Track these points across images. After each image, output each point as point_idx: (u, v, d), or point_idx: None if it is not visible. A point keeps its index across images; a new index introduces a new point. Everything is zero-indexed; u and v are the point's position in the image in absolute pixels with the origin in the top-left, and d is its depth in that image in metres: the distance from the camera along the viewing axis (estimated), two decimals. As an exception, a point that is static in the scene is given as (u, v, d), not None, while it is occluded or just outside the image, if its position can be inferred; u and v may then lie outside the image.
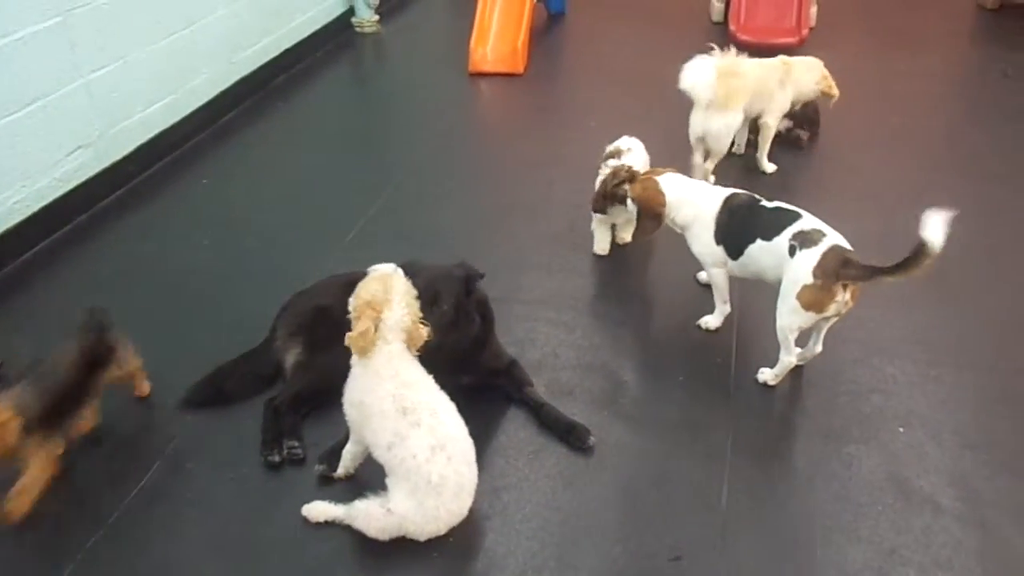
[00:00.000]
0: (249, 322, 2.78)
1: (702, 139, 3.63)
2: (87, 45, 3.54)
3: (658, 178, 2.82)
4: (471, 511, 2.15)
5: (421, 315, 2.16)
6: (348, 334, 2.09)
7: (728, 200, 2.69)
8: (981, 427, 2.48)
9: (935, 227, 2.23)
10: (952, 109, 4.69)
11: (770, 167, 3.90)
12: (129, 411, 2.59)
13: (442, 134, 4.47)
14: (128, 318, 2.99)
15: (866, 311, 2.96)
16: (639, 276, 3.26)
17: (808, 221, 2.51)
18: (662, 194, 2.78)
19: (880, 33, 5.66)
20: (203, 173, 4.03)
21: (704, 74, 3.45)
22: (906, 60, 5.20)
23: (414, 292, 2.15)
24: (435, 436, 2.05)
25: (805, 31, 5.21)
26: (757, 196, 2.70)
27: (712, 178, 3.68)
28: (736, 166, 3.94)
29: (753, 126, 3.93)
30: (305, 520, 2.19)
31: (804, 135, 4.10)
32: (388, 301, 2.09)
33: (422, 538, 2.10)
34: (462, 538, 2.14)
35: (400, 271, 2.17)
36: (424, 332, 2.15)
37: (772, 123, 3.81)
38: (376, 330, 2.07)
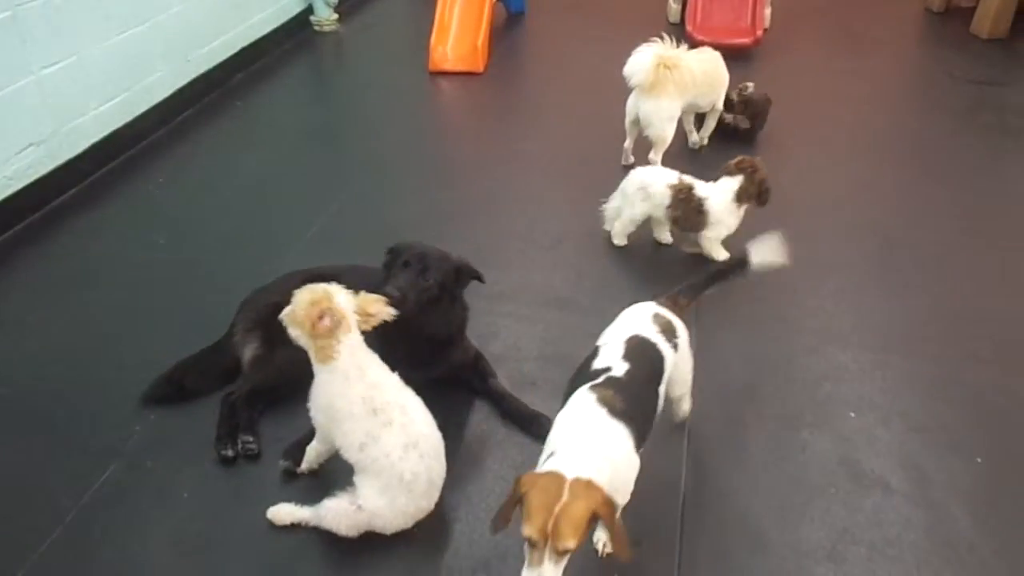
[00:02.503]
0: (207, 320, 2.76)
1: (635, 123, 3.78)
2: (38, 41, 3.47)
3: None
4: (436, 503, 2.17)
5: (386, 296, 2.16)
6: (311, 345, 2.07)
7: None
8: (929, 412, 2.56)
9: (763, 251, 2.39)
10: (899, 107, 4.83)
11: (697, 140, 4.15)
12: (85, 409, 2.55)
13: (402, 132, 4.47)
14: (84, 317, 2.98)
15: (819, 302, 3.06)
16: (599, 269, 3.30)
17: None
18: None
19: (832, 34, 5.80)
20: (159, 172, 3.98)
21: (643, 60, 3.59)
22: (856, 60, 5.34)
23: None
24: (407, 434, 2.06)
25: (759, 32, 5.32)
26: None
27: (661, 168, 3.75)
28: (686, 158, 4.01)
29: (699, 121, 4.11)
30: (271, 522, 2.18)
31: (744, 124, 4.18)
32: (327, 294, 2.07)
33: (390, 532, 2.11)
34: (428, 530, 2.16)
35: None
36: (379, 303, 2.13)
37: (719, 107, 4.04)
38: (332, 326, 2.03)
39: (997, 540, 2.15)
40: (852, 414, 2.54)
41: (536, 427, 2.45)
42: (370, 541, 2.11)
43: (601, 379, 1.93)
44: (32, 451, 2.42)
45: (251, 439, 2.38)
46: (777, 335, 2.89)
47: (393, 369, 2.17)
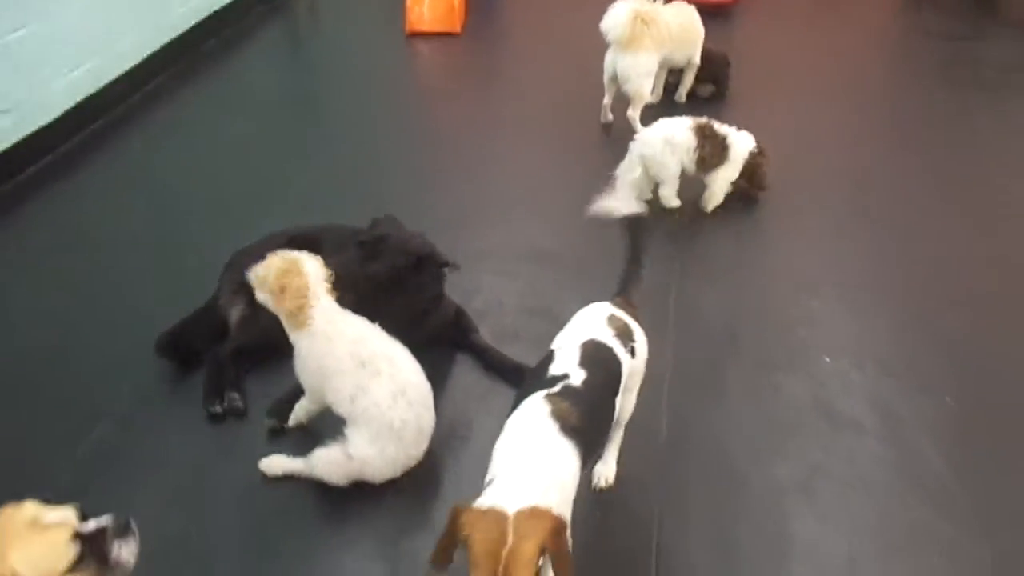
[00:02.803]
0: (190, 281, 2.78)
1: (614, 79, 3.78)
2: (3, 5, 3.41)
3: None
4: (424, 453, 2.21)
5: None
6: (282, 314, 2.11)
7: None
8: (902, 356, 2.63)
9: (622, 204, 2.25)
10: (876, 63, 4.88)
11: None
12: (72, 370, 2.57)
13: (380, 95, 4.45)
14: (66, 282, 2.98)
15: (795, 250, 3.12)
16: (579, 225, 3.33)
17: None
18: None
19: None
20: (135, 138, 3.95)
21: (620, 15, 3.59)
22: (834, 17, 5.38)
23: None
24: (395, 383, 2.10)
25: (739, -11, 5.32)
26: None
27: (639, 126, 3.78)
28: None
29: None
30: (263, 474, 2.21)
31: (705, 93, 4.22)
32: (296, 261, 2.12)
33: (379, 481, 2.16)
34: (414, 479, 2.20)
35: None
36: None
37: (695, 62, 4.06)
38: (304, 295, 2.08)
39: (965, 475, 2.23)
40: (827, 359, 2.61)
41: (519, 378, 2.49)
42: (358, 490, 2.15)
43: (558, 387, 1.78)
44: (21, 413, 2.43)
45: (237, 396, 2.42)
46: (755, 283, 2.95)
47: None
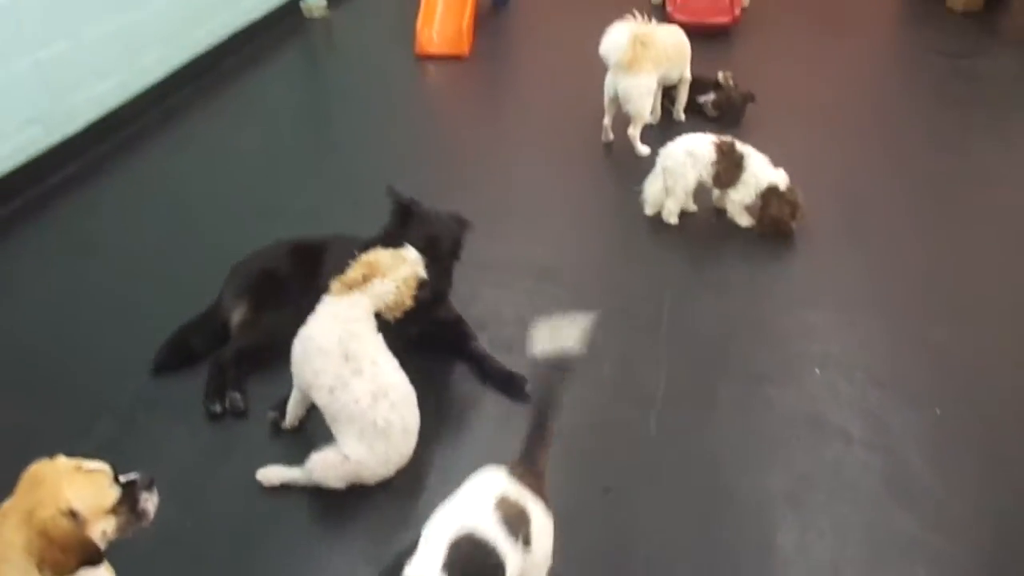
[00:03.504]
0: (200, 286, 2.85)
1: (614, 100, 3.86)
2: (36, 22, 3.57)
3: None
4: (414, 454, 2.27)
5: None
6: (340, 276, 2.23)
7: None
8: (890, 367, 2.67)
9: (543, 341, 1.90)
10: (877, 81, 4.92)
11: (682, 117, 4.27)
12: (81, 369, 2.67)
13: (389, 113, 4.57)
14: (82, 285, 3.09)
15: (788, 265, 3.17)
16: (579, 241, 3.41)
17: None
18: None
19: (810, 13, 5.87)
20: (155, 150, 4.08)
21: (618, 39, 3.69)
22: (835, 37, 5.42)
23: (418, 276, 2.29)
24: (376, 383, 2.16)
25: (738, 11, 5.40)
26: None
27: (642, 147, 3.88)
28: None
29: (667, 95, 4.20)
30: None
31: (711, 114, 4.27)
32: (388, 271, 2.23)
33: (373, 482, 2.21)
34: (406, 480, 2.26)
35: (418, 259, 2.32)
36: (405, 304, 2.27)
37: (687, 76, 4.13)
38: (362, 282, 2.21)
39: (951, 484, 2.25)
40: (817, 370, 2.65)
41: (513, 386, 2.55)
42: (351, 490, 2.20)
43: None
44: (30, 407, 2.52)
45: (238, 396, 2.49)
46: (747, 297, 3.00)
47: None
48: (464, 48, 5.20)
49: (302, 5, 5.87)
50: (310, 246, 2.84)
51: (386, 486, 2.23)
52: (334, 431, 2.20)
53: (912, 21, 5.87)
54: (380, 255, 2.26)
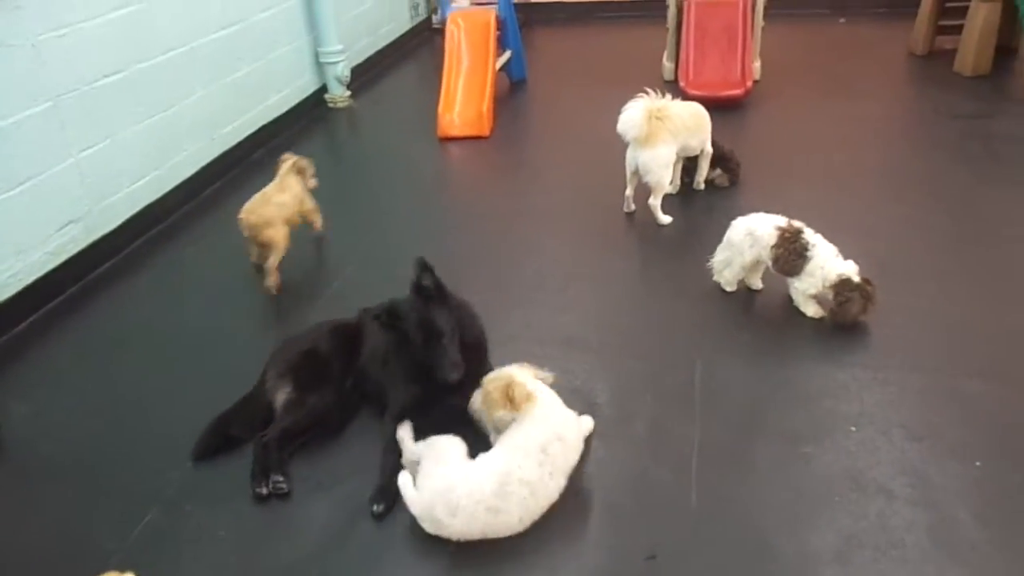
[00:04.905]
0: (240, 373, 2.93)
1: (635, 172, 3.99)
2: (76, 126, 3.77)
3: None
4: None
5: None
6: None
7: None
8: (926, 422, 2.66)
9: None
10: (890, 144, 5.01)
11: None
12: (125, 460, 2.73)
13: (414, 193, 4.72)
14: (122, 377, 3.18)
15: (814, 326, 3.20)
16: (605, 310, 3.46)
17: None
18: None
19: (820, 82, 6.04)
20: (189, 242, 4.23)
21: (634, 115, 3.82)
22: (845, 104, 5.56)
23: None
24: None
25: (750, 83, 5.58)
26: None
27: (663, 216, 3.99)
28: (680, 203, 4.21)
29: (687, 166, 4.32)
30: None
31: (724, 183, 4.39)
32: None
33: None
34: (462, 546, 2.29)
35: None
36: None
37: (708, 149, 4.24)
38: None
39: (998, 537, 2.23)
40: (852, 428, 2.65)
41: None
42: (401, 561, 2.25)
43: None
44: (76, 500, 2.58)
45: (281, 479, 2.52)
46: (775, 358, 3.02)
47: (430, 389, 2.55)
48: (485, 129, 5.39)
49: (326, 97, 6.13)
50: (348, 326, 2.92)
51: (441, 551, 2.28)
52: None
53: (922, 85, 6.01)
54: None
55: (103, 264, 3.96)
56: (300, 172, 3.93)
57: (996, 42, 5.73)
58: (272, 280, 3.57)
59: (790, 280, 3.26)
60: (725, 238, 3.39)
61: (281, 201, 3.72)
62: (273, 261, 3.57)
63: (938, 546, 2.21)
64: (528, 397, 2.45)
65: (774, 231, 3.22)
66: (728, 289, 3.42)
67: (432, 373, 2.55)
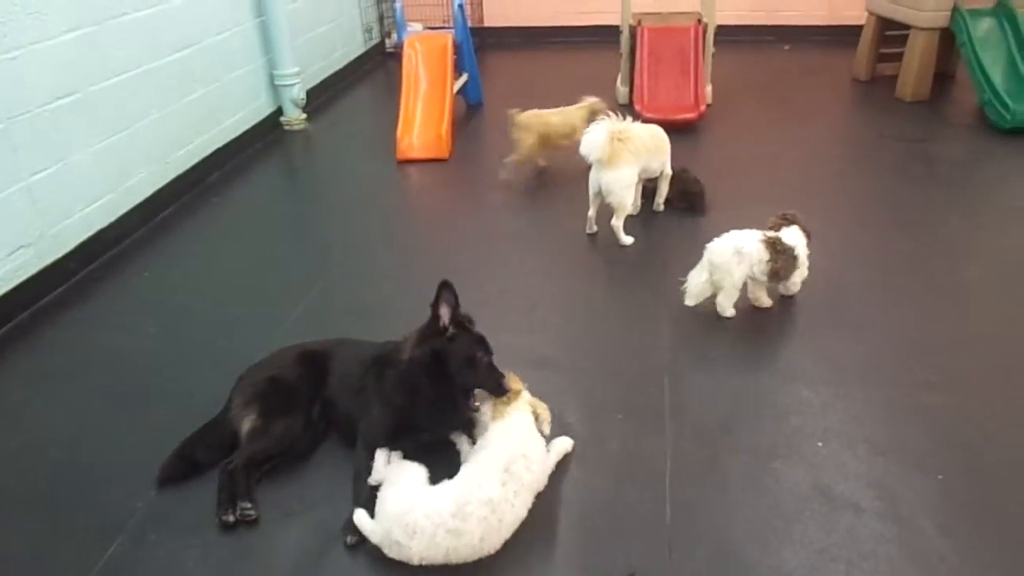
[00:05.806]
0: (200, 400, 2.87)
1: (598, 193, 4.05)
2: (28, 149, 3.66)
3: None
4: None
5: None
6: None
7: None
8: (889, 436, 2.74)
9: None
10: (837, 166, 5.19)
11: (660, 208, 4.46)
12: (86, 491, 2.63)
13: (375, 217, 4.69)
14: (79, 405, 3.07)
15: (779, 343, 3.27)
16: (574, 329, 3.48)
17: None
18: None
19: (770, 106, 6.24)
20: (144, 266, 4.13)
21: (596, 138, 3.88)
22: (794, 127, 5.75)
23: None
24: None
25: (703, 107, 5.72)
26: None
27: (625, 237, 4.04)
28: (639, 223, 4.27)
29: (645, 190, 4.40)
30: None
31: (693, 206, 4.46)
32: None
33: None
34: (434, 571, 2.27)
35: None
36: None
37: (668, 171, 4.33)
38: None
39: (964, 548, 2.29)
40: (819, 444, 2.71)
41: None
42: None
43: None
44: (37, 534, 2.47)
45: (249, 505, 2.46)
46: (742, 375, 3.08)
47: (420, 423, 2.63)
48: (444, 152, 5.40)
49: (282, 119, 6.08)
50: (315, 352, 2.88)
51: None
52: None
53: (866, 108, 6.26)
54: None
55: (55, 290, 3.84)
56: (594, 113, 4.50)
57: (935, 69, 5.99)
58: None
59: (791, 279, 3.42)
60: (704, 260, 3.41)
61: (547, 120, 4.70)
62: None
63: (908, 558, 2.27)
64: (517, 394, 2.63)
65: (762, 245, 3.30)
66: (728, 314, 3.42)
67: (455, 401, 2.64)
